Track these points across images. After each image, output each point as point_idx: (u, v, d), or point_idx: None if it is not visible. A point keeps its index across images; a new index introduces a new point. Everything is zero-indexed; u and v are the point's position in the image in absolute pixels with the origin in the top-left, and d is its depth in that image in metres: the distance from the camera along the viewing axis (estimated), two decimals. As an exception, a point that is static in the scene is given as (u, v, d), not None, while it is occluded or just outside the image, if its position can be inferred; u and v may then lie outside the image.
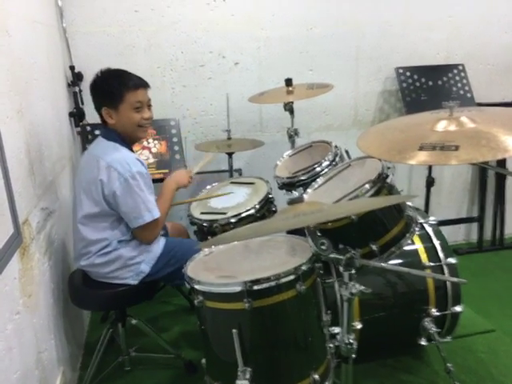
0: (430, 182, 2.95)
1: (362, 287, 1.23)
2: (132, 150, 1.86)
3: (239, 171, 2.84)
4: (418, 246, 1.90)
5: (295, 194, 2.05)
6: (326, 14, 2.78)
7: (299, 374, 1.40)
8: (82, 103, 2.53)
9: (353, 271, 1.24)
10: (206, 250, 1.64)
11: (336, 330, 1.47)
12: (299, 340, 1.42)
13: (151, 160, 2.49)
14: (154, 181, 1.98)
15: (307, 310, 1.43)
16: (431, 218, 1.96)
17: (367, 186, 1.52)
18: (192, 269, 1.51)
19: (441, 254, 1.88)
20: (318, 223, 1.37)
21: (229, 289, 1.33)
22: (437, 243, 1.90)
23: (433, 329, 1.83)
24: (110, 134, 1.81)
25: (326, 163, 2.03)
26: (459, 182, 3.27)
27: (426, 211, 2.97)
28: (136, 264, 1.81)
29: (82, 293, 1.88)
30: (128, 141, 1.84)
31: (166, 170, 2.48)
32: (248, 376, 1.31)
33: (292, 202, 1.38)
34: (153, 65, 2.65)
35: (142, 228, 1.76)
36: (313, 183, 1.87)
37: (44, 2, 2.23)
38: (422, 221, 1.94)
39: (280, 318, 1.37)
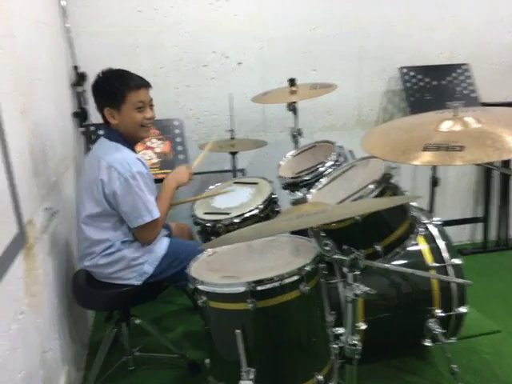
0: (434, 182, 2.94)
1: (367, 288, 1.22)
2: (134, 150, 1.86)
3: (242, 171, 2.84)
4: (423, 246, 1.89)
5: (299, 194, 2.04)
6: (330, 13, 2.77)
7: (303, 374, 1.39)
8: (86, 103, 2.54)
9: (357, 272, 1.23)
10: (210, 250, 1.64)
11: (340, 330, 1.47)
12: (303, 341, 1.41)
13: (155, 160, 2.49)
14: (158, 181, 1.99)
15: (311, 311, 1.43)
16: (436, 219, 1.95)
17: (371, 186, 1.52)
18: (195, 269, 1.51)
19: (445, 255, 1.87)
20: (321, 224, 1.37)
21: (232, 289, 1.33)
22: (441, 244, 1.89)
23: (437, 330, 1.81)
24: (112, 135, 1.81)
25: (329, 163, 2.02)
26: (464, 182, 3.26)
27: (431, 211, 2.95)
28: (139, 265, 1.82)
29: (85, 293, 1.88)
30: (130, 141, 1.84)
31: (170, 170, 2.45)
32: (252, 376, 1.31)
33: (296, 202, 1.38)
34: (156, 65, 2.65)
35: (142, 228, 1.76)
36: (316, 183, 1.87)
37: (47, 3, 2.24)
38: (426, 221, 1.94)
39: (284, 319, 1.37)
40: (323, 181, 1.86)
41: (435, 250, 1.88)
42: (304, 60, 2.82)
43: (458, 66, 2.92)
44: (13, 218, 1.38)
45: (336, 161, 2.03)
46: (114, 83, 1.76)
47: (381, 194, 1.52)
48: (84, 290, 1.87)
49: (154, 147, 2.50)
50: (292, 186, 2.10)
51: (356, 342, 1.28)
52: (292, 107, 2.41)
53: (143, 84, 1.80)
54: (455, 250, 1.91)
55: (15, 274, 1.37)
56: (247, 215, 1.94)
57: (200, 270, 1.50)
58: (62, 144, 2.18)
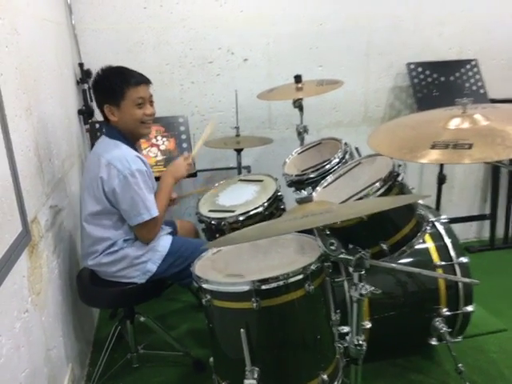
0: (441, 179, 2.91)
1: (372, 288, 1.21)
2: (134, 147, 1.85)
3: (248, 168, 2.83)
4: (430, 244, 1.88)
5: (304, 192, 2.03)
6: (336, 9, 2.74)
7: (308, 373, 1.38)
8: (91, 100, 2.53)
9: (363, 272, 1.22)
10: (214, 248, 1.63)
11: (345, 329, 1.46)
12: (308, 340, 1.40)
13: (160, 157, 2.48)
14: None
15: (316, 310, 1.42)
16: (443, 217, 1.93)
17: (378, 184, 1.50)
18: (200, 267, 1.51)
19: (452, 253, 1.85)
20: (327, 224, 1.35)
21: (237, 288, 1.32)
22: (448, 242, 1.88)
23: (443, 328, 1.80)
24: (111, 132, 1.81)
25: (335, 161, 2.00)
26: (471, 180, 3.23)
27: (438, 208, 2.93)
28: (142, 263, 1.81)
29: (90, 290, 1.88)
30: (130, 138, 1.84)
31: (175, 168, 2.47)
32: (256, 376, 1.30)
33: (301, 201, 1.37)
34: (161, 62, 2.64)
35: (141, 226, 1.76)
36: (322, 181, 1.86)
37: (52, 0, 2.23)
38: (433, 219, 1.92)
39: (288, 318, 1.36)
40: (329, 178, 1.84)
41: (442, 249, 1.87)
42: (310, 56, 2.79)
43: (467, 61, 2.88)
44: (17, 215, 1.37)
45: (342, 158, 2.01)
46: (114, 80, 1.75)
47: (387, 192, 1.50)
48: (88, 288, 1.88)
49: (158, 144, 2.49)
50: (297, 183, 2.08)
51: (361, 343, 1.27)
52: (298, 104, 2.39)
53: (143, 80, 1.79)
54: (462, 249, 1.89)
55: (19, 272, 1.37)
56: (252, 213, 1.93)
57: (204, 269, 1.49)
58: (67, 141, 2.18)
